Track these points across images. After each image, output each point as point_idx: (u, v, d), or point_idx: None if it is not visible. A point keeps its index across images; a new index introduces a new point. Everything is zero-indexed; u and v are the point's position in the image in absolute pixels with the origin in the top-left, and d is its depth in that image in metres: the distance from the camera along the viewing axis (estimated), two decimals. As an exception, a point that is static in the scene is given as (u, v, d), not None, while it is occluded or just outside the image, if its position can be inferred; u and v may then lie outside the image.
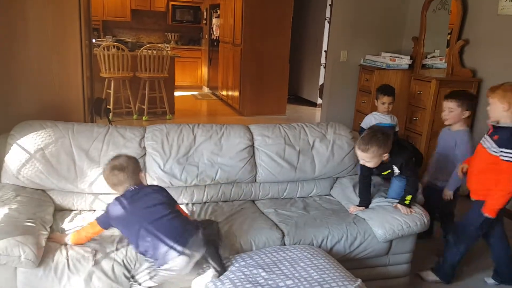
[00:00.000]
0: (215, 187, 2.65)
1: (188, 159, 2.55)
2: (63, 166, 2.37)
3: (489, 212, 2.36)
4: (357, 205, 2.57)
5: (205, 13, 9.26)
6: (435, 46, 4.60)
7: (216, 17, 8.44)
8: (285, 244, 2.27)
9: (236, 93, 7.17)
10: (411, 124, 4.15)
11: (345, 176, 2.89)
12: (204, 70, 9.45)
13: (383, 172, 2.53)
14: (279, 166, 2.71)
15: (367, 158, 2.40)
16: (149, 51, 5.97)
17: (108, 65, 5.77)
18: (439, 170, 2.91)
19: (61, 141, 2.40)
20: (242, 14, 6.68)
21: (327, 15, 7.31)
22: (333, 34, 4.89)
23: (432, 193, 2.94)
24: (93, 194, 2.45)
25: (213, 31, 8.66)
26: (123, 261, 2.00)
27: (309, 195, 2.86)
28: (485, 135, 2.43)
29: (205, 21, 9.30)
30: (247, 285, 1.78)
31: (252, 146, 2.72)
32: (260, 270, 1.89)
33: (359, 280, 1.88)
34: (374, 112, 3.54)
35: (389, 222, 2.37)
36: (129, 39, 8.33)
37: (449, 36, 4.31)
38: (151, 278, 1.88)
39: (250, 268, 1.91)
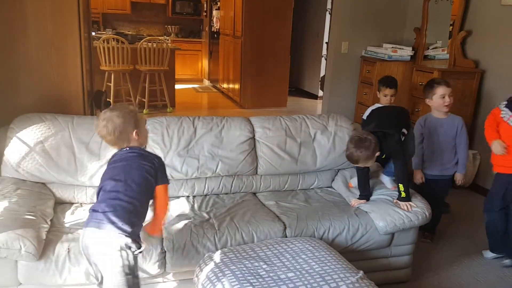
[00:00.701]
0: (216, 180, 2.64)
1: (188, 152, 2.54)
2: (63, 159, 2.36)
3: None
4: (358, 198, 2.56)
5: (205, 5, 9.21)
6: (437, 37, 4.57)
7: (216, 9, 8.39)
8: (286, 236, 2.27)
9: (236, 86, 7.14)
10: (413, 115, 4.13)
11: (346, 168, 2.88)
12: (205, 63, 9.41)
13: (376, 161, 2.53)
14: (280, 158, 2.70)
15: (362, 165, 2.43)
16: (149, 43, 5.94)
17: (108, 58, 5.75)
18: (440, 159, 2.91)
19: (61, 134, 2.39)
20: (242, 6, 6.63)
21: (328, 6, 7.25)
22: (334, 25, 4.85)
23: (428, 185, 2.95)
24: (93, 187, 2.44)
25: (213, 23, 8.61)
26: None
27: (311, 187, 2.85)
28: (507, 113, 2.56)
29: (205, 13, 9.25)
30: (249, 277, 1.78)
31: (253, 138, 2.70)
32: (262, 263, 1.89)
33: (361, 271, 1.87)
34: (376, 104, 3.51)
35: (391, 215, 2.36)
36: (129, 31, 8.27)
37: (451, 26, 4.27)
38: None
39: (251, 261, 1.90)
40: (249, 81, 6.84)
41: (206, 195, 2.63)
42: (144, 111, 6.11)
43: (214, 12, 8.52)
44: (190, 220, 2.27)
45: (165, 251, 2.06)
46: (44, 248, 1.92)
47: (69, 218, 2.25)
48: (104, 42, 5.67)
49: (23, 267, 1.90)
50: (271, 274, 1.81)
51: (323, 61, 7.62)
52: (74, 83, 2.96)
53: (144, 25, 9.25)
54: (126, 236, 1.69)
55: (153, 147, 2.50)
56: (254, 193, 2.74)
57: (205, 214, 2.36)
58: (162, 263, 2.07)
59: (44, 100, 2.86)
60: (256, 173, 2.71)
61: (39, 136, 2.35)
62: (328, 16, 7.38)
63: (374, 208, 2.44)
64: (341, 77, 4.89)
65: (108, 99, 5.61)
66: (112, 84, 5.87)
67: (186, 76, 9.09)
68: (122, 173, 1.78)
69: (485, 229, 2.84)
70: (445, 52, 4.40)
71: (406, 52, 4.51)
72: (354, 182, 2.70)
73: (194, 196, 2.60)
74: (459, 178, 2.90)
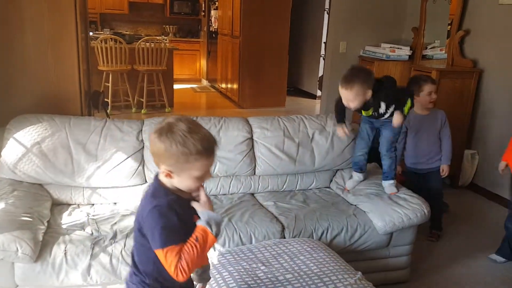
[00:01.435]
0: (214, 180, 2.63)
1: (186, 152, 2.52)
2: (60, 160, 2.34)
3: None
4: (337, 125, 2.62)
5: (203, 5, 9.19)
6: (435, 36, 4.56)
7: (214, 9, 8.38)
8: (285, 237, 2.26)
9: (235, 86, 7.12)
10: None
11: (344, 168, 2.87)
12: (203, 63, 9.39)
13: (366, 110, 2.48)
14: (278, 159, 2.69)
15: (351, 97, 2.34)
16: (147, 43, 5.93)
17: (105, 58, 5.73)
18: (427, 153, 3.01)
19: (58, 134, 2.38)
20: (240, 5, 6.62)
21: (327, 6, 7.25)
22: (332, 25, 4.84)
23: (418, 179, 3.06)
24: (90, 188, 2.43)
25: (211, 23, 8.60)
26: (121, 253, 1.99)
27: (309, 188, 2.84)
28: None
29: (203, 13, 9.23)
30: (246, 279, 1.77)
31: (251, 138, 2.69)
32: (259, 264, 1.88)
33: (359, 273, 1.87)
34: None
35: (389, 215, 2.36)
36: (126, 31, 8.25)
37: (449, 26, 4.27)
38: None
39: (249, 262, 1.90)
40: (247, 81, 6.83)
41: (204, 196, 2.62)
42: (142, 111, 6.09)
43: (212, 12, 8.51)
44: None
45: None
46: (41, 249, 1.91)
47: (66, 219, 2.24)
48: (102, 42, 5.65)
49: (19, 269, 1.89)
50: (269, 276, 1.80)
51: (322, 61, 7.61)
52: (71, 83, 2.95)
53: (142, 25, 9.23)
54: None
55: (151, 147, 2.49)
56: (252, 194, 2.73)
57: (203, 215, 2.35)
58: (160, 264, 2.06)
59: (41, 100, 2.85)
60: (254, 173, 2.70)
61: (36, 137, 2.33)
62: (326, 16, 7.38)
63: (372, 208, 2.44)
64: (339, 77, 4.79)
65: (106, 99, 5.61)
66: (110, 84, 5.86)
67: (184, 76, 9.08)
68: None
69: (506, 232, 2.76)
70: (443, 51, 4.39)
71: (404, 52, 4.51)
72: (349, 185, 2.70)
73: (192, 197, 2.59)
74: (445, 169, 3.00)
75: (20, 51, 2.79)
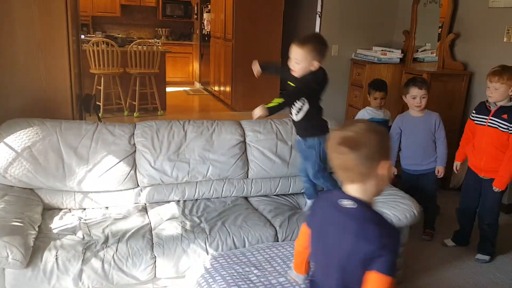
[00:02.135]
0: (207, 184, 2.63)
1: (179, 156, 2.52)
2: (51, 164, 2.33)
3: (500, 185, 2.64)
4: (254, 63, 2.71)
5: (196, 8, 9.18)
6: (426, 39, 4.59)
7: (207, 12, 8.37)
8: (278, 241, 2.26)
9: (228, 89, 7.12)
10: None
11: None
12: (196, 66, 9.38)
13: (290, 81, 2.54)
14: (271, 162, 2.69)
15: (299, 57, 2.28)
16: (139, 46, 5.91)
17: (97, 61, 5.70)
18: (422, 155, 3.06)
19: (48, 139, 2.36)
20: (233, 8, 6.62)
21: (319, 9, 7.27)
22: (324, 28, 4.86)
23: (413, 180, 3.11)
24: (82, 192, 2.42)
25: (204, 26, 8.59)
26: (113, 258, 1.98)
27: (302, 191, 2.84)
28: (489, 117, 2.69)
29: (196, 16, 9.22)
30: (239, 283, 1.77)
31: (244, 142, 2.69)
32: (252, 268, 1.88)
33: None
34: (367, 107, 3.53)
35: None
36: (118, 34, 8.22)
37: (440, 29, 4.30)
38: None
39: (242, 266, 1.89)
40: (240, 84, 6.83)
41: (197, 200, 2.61)
42: (135, 114, 6.07)
43: (205, 15, 8.50)
44: (180, 225, 2.25)
45: None
46: (32, 255, 1.89)
47: (57, 224, 2.22)
48: (93, 45, 5.62)
49: (10, 275, 1.87)
50: (262, 279, 1.80)
51: (314, 63, 7.63)
52: (63, 87, 2.92)
53: (134, 28, 9.20)
54: None
55: (143, 151, 2.48)
56: (246, 197, 2.72)
57: (196, 219, 2.35)
58: (152, 268, 2.05)
59: (32, 104, 2.82)
60: (247, 176, 2.70)
61: (26, 141, 2.32)
62: (318, 19, 7.40)
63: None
64: (331, 80, 4.79)
65: (97, 103, 5.57)
66: (102, 88, 5.83)
67: (177, 79, 9.05)
68: None
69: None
70: (434, 54, 4.43)
71: (395, 55, 4.54)
72: (306, 210, 2.63)
73: (184, 201, 2.58)
74: (441, 170, 3.04)
75: (10, 54, 2.76)
